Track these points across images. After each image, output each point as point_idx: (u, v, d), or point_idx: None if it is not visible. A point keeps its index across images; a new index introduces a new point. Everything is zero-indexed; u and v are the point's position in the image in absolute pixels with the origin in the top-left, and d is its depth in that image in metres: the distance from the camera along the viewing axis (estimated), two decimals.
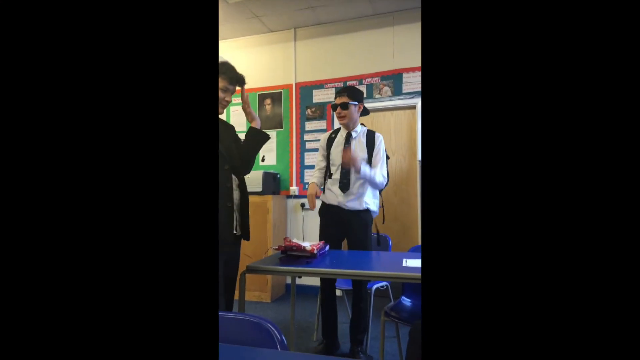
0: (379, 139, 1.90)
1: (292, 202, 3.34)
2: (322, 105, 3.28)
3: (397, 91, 3.08)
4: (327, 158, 1.96)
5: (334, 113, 1.94)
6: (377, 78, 3.13)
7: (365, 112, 1.95)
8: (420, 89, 3.01)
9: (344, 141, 1.91)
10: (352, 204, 1.86)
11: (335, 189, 1.89)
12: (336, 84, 3.25)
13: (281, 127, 3.42)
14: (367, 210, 1.89)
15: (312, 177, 1.99)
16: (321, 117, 3.28)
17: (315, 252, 1.50)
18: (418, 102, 3.02)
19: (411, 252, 1.76)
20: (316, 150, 3.28)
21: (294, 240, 1.58)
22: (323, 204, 1.96)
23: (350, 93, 1.87)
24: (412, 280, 1.29)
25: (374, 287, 2.01)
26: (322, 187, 1.97)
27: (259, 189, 3.04)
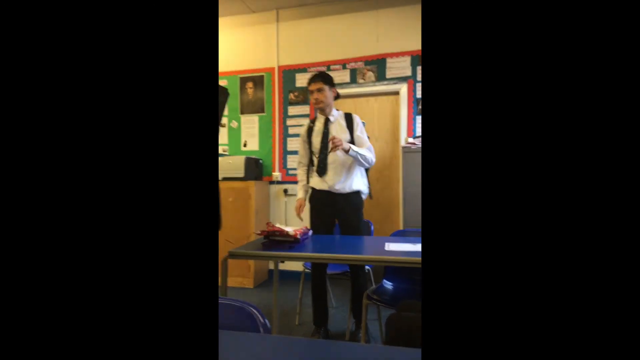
0: (357, 118, 1.95)
1: (274, 188, 3.32)
2: (305, 90, 3.24)
3: (380, 76, 3.06)
4: (309, 149, 1.98)
5: (310, 100, 1.99)
6: (360, 63, 3.11)
7: (337, 97, 1.99)
8: (404, 75, 3.00)
9: (322, 127, 1.94)
10: (340, 186, 1.88)
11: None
12: (319, 68, 3.20)
13: (263, 112, 3.36)
14: (358, 193, 1.91)
15: (297, 186, 2.05)
16: (304, 102, 3.24)
17: (298, 236, 1.50)
18: (402, 87, 3.02)
19: (393, 237, 1.79)
20: (299, 135, 3.26)
21: (276, 225, 1.57)
22: (313, 190, 1.97)
23: (324, 78, 1.92)
24: (394, 264, 1.31)
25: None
26: (308, 180, 2.01)
27: (241, 175, 3.00)
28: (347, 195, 1.89)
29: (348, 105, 3.18)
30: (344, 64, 3.15)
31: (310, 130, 2.00)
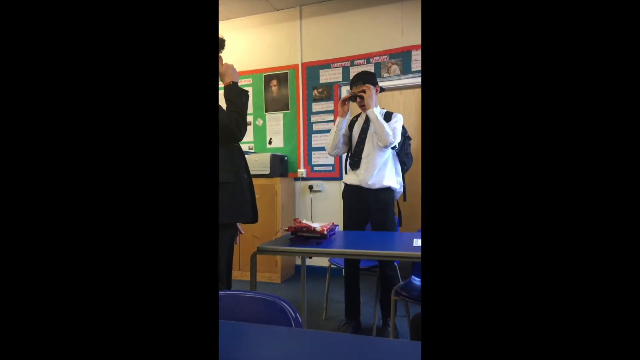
0: (397, 115, 1.92)
1: (300, 185, 3.34)
2: (329, 86, 3.23)
3: (405, 69, 3.01)
4: (350, 140, 1.98)
5: (357, 103, 1.94)
6: (385, 56, 3.06)
7: (380, 90, 1.98)
8: None
9: (363, 122, 1.96)
10: (372, 182, 1.87)
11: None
12: (343, 63, 3.18)
13: (288, 109, 3.39)
14: (389, 189, 1.89)
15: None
16: (328, 98, 3.24)
17: (325, 232, 1.51)
18: None
19: (421, 233, 1.76)
20: (323, 132, 3.26)
21: (303, 221, 1.59)
22: (345, 185, 1.98)
23: (367, 78, 1.90)
24: None
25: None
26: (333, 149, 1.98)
27: (267, 172, 3.04)
28: (377, 191, 1.87)
29: None
30: (367, 58, 3.11)
31: (352, 123, 2.02)
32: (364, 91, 1.86)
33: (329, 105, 3.26)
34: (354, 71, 3.11)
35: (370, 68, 3.10)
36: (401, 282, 1.77)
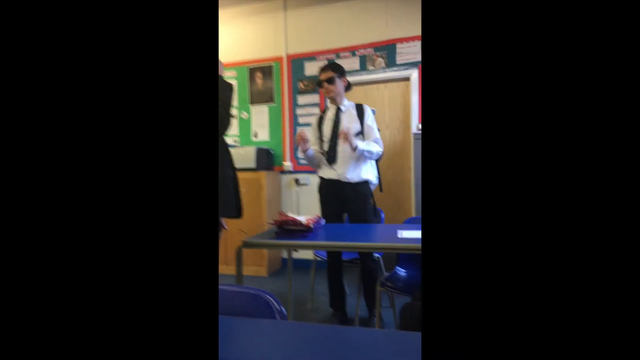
0: (368, 108, 1.96)
1: (286, 178, 3.33)
2: (314, 78, 3.21)
3: (390, 62, 3.02)
4: (320, 138, 1.98)
5: (321, 90, 1.99)
6: (370, 49, 3.06)
7: (348, 87, 2.00)
8: (414, 60, 2.95)
9: (333, 117, 1.96)
10: (350, 176, 1.89)
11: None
12: (328, 55, 3.17)
13: (273, 102, 3.36)
14: (366, 182, 1.93)
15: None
16: (314, 91, 3.22)
17: (311, 225, 1.51)
18: (412, 73, 2.97)
19: (405, 224, 1.79)
20: (309, 125, 3.25)
21: (289, 215, 1.59)
22: (322, 179, 1.98)
23: (334, 68, 1.94)
24: (407, 251, 1.31)
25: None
26: (319, 166, 2.00)
27: (252, 165, 3.02)
28: (356, 185, 1.89)
29: (358, 93, 3.15)
30: (353, 50, 3.11)
31: (321, 120, 2.01)
32: (331, 80, 1.89)
33: (314, 97, 3.24)
34: (339, 63, 3.10)
35: (356, 61, 3.09)
36: (386, 274, 1.79)
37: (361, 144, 1.81)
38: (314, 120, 2.07)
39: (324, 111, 2.04)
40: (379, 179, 2.01)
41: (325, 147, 1.94)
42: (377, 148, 1.86)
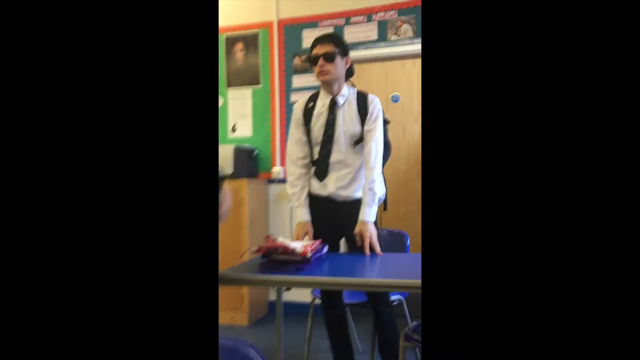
0: (375, 102, 1.89)
1: (275, 189, 3.35)
2: None
3: (420, 30, 3.06)
4: (308, 137, 1.91)
5: (313, 67, 1.87)
6: (392, 12, 3.11)
7: (350, 72, 1.92)
8: None
9: (327, 111, 1.88)
10: (345, 193, 1.86)
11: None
12: (335, 21, 3.21)
13: (258, 84, 3.40)
14: None
15: (293, 200, 1.93)
16: None
17: (308, 255, 1.53)
18: None
19: None
20: None
21: (279, 240, 1.61)
22: (311, 196, 1.94)
23: (336, 41, 1.85)
24: None
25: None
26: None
27: (229, 171, 3.05)
28: (353, 204, 1.84)
29: (376, 71, 3.18)
30: (369, 14, 3.15)
31: (309, 112, 1.92)
32: (329, 55, 1.80)
33: (315, 79, 3.28)
34: (349, 32, 3.15)
35: (373, 28, 3.13)
36: (412, 323, 1.80)
37: (370, 216, 1.77)
38: (296, 111, 1.96)
39: (312, 99, 1.95)
40: (385, 193, 1.98)
41: (315, 154, 1.89)
42: (379, 185, 1.82)
